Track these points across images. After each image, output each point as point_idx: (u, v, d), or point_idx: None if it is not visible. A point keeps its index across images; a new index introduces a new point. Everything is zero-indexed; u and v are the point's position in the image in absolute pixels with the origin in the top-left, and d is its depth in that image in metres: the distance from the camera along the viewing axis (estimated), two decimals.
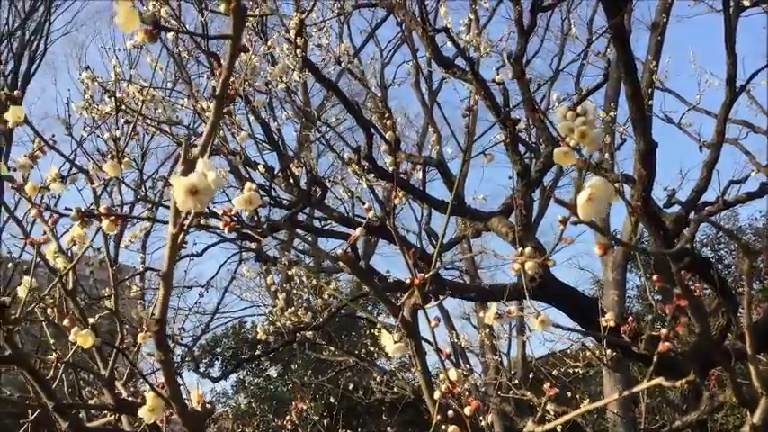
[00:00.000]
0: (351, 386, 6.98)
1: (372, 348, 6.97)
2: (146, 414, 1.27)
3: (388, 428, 7.08)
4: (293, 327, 5.72)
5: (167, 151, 14.03)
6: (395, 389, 6.11)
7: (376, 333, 7.57)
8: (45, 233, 1.78)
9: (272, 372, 12.82)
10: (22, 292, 1.96)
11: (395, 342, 1.40)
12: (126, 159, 1.55)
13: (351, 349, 7.08)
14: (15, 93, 1.55)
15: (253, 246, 5.53)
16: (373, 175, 5.25)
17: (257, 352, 7.32)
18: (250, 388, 12.74)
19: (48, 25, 20.93)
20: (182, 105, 5.05)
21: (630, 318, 2.16)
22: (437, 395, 1.28)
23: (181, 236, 0.96)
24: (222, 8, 0.86)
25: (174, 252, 0.97)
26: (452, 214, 4.94)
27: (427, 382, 1.50)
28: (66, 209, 1.32)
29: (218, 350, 13.17)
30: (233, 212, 1.16)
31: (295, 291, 6.38)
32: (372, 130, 5.08)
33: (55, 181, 1.58)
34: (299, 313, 5.91)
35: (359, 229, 1.39)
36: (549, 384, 1.54)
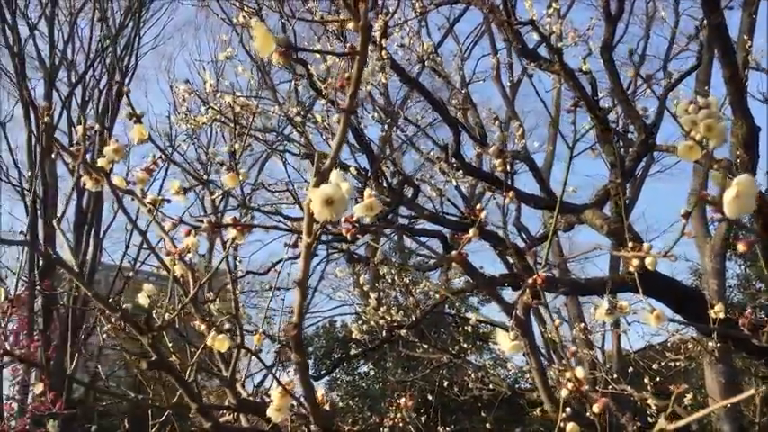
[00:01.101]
0: (445, 383, 7.01)
1: (465, 345, 6.97)
2: (273, 413, 1.33)
3: (486, 425, 7.06)
4: (387, 325, 5.78)
5: (254, 157, 14.41)
6: (490, 385, 6.09)
7: (468, 330, 7.57)
8: (166, 244, 1.88)
9: (364, 369, 12.98)
10: (143, 299, 2.08)
11: (511, 341, 1.41)
12: (243, 171, 1.62)
13: (442, 346, 7.10)
14: (139, 112, 1.64)
15: (342, 246, 5.63)
16: (461, 172, 5.25)
17: (352, 351, 7.44)
18: (342, 386, 12.96)
19: (137, 40, 21.86)
20: (273, 112, 5.18)
21: (749, 310, 2.10)
22: (564, 393, 1.28)
23: (313, 244, 1.01)
24: (351, 26, 0.90)
25: (308, 260, 1.02)
26: (548, 208, 4.88)
27: (544, 380, 1.50)
28: (197, 220, 1.39)
29: (311, 349, 13.45)
30: (354, 219, 1.20)
31: (385, 289, 6.45)
32: (459, 127, 5.08)
33: (178, 194, 1.67)
34: (392, 312, 5.98)
35: (472, 230, 1.40)
36: (648, 378, 1.52)
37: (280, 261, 5.19)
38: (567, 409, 1.40)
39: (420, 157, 7.05)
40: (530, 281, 1.40)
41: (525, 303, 1.49)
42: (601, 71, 4.99)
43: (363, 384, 12.61)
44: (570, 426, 1.35)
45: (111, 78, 21.41)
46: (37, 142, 20.38)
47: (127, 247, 22.30)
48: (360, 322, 6.36)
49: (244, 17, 3.91)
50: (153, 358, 1.18)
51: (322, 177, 0.95)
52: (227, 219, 1.50)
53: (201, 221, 1.37)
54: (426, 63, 5.46)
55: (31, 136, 20.50)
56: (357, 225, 1.26)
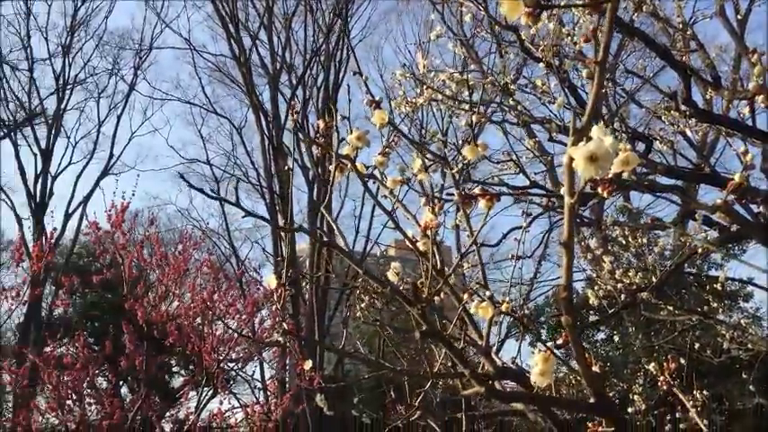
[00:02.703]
0: (696, 346, 6.57)
1: (714, 304, 6.47)
2: (538, 378, 1.33)
3: (749, 387, 6.52)
4: (625, 289, 5.55)
5: (466, 132, 14.51)
6: (749, 345, 5.61)
7: (717, 288, 7.02)
8: (417, 220, 1.96)
9: (602, 336, 12.60)
10: (391, 276, 2.18)
11: None
12: (481, 143, 1.64)
13: (687, 307, 6.66)
14: (378, 98, 1.73)
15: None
16: (694, 119, 4.87)
17: (591, 318, 7.24)
18: None
19: (347, 34, 22.95)
20: (484, 84, 5.17)
21: None
22: None
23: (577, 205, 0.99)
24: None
25: (572, 221, 1.01)
26: None
27: None
28: (447, 194, 1.43)
29: (542, 319, 13.32)
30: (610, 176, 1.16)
31: (617, 252, 6.18)
32: (688, 71, 4.71)
33: (421, 172, 1.73)
34: (629, 275, 5.72)
35: (738, 175, 1.30)
36: None
37: (510, 231, 5.19)
38: None
39: (644, 110, 6.65)
40: None
41: None
42: None
43: (602, 351, 12.24)
44: None
45: (327, 75, 22.70)
46: (269, 143, 22.24)
47: (356, 232, 23.62)
48: (595, 288, 6.15)
49: None
50: (424, 328, 1.24)
51: (580, 135, 0.93)
52: (455, 193, 1.52)
53: (451, 195, 1.41)
54: (644, 8, 5.11)
55: (264, 138, 22.40)
56: (613, 182, 1.22)
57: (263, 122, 22.18)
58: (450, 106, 4.69)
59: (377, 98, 1.70)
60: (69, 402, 7.79)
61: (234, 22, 22.68)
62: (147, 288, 8.54)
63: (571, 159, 0.92)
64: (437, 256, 2.10)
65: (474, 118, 2.78)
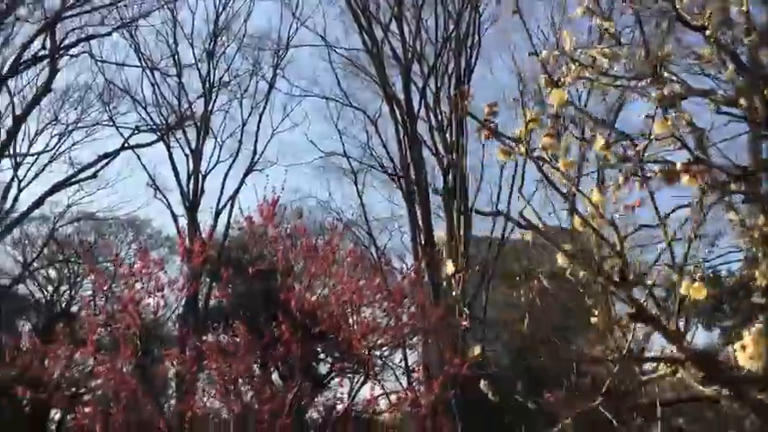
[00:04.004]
0: None
1: None
2: (747, 361, 1.25)
3: None
4: None
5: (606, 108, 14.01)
6: None
7: None
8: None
9: None
10: (560, 260, 2.12)
11: None
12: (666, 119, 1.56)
13: None
14: (557, 79, 1.69)
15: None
16: None
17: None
18: None
19: (478, 19, 22.77)
20: (638, 57, 4.93)
21: None
22: None
23: None
24: None
25: None
26: None
27: None
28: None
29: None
30: None
31: None
32: None
33: (602, 149, 1.68)
34: None
35: None
36: None
37: (673, 210, 4.92)
38: None
39: None
40: None
41: None
42: None
43: None
44: None
45: (458, 62, 22.58)
46: (404, 133, 22.45)
47: (496, 212, 23.33)
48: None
49: None
50: (633, 311, 1.20)
51: None
52: (655, 168, 1.45)
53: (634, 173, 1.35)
54: None
55: (398, 127, 22.66)
56: None
57: (397, 113, 22.41)
58: (603, 83, 4.51)
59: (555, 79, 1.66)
60: (233, 388, 8.25)
61: (365, 14, 23.02)
62: (297, 278, 8.87)
63: None
64: (618, 234, 2.03)
65: (656, 93, 2.63)
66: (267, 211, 8.51)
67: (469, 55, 22.74)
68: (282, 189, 10.68)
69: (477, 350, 4.60)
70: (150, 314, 8.75)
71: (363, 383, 9.28)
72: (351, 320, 8.28)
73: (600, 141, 1.72)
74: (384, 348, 9.38)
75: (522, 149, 1.90)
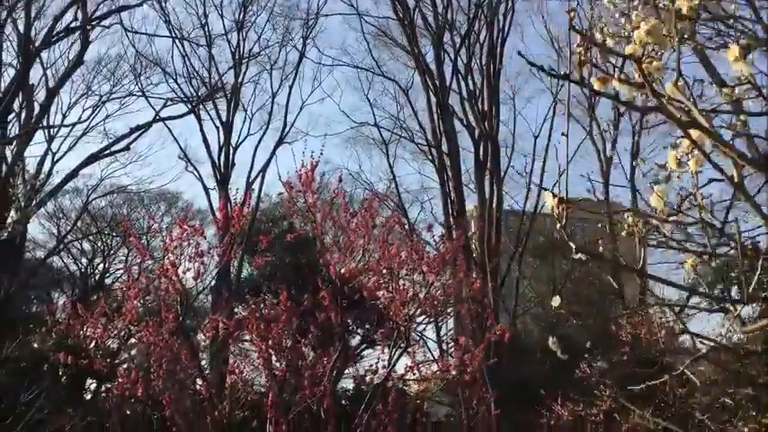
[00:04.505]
0: None
1: None
2: None
3: None
4: None
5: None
6: None
7: None
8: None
9: None
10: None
11: None
12: None
13: None
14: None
15: None
16: None
17: None
18: None
19: None
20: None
21: None
22: None
23: None
24: None
25: None
26: None
27: None
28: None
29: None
30: None
31: None
32: None
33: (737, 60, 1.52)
34: None
35: None
36: None
37: None
38: None
39: None
40: None
41: None
42: None
43: None
44: None
45: (491, 31, 22.16)
46: (436, 103, 22.18)
47: (527, 189, 23.06)
48: None
49: None
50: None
51: None
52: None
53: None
54: None
55: (429, 98, 22.39)
56: None
57: (429, 83, 22.15)
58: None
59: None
60: (274, 354, 8.23)
61: None
62: (336, 244, 8.80)
63: None
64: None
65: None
66: (306, 177, 8.41)
67: (502, 23, 22.33)
68: (321, 154, 10.56)
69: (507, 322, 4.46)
70: (191, 279, 8.74)
71: (401, 354, 9.18)
72: (391, 287, 8.19)
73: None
74: (423, 318, 9.26)
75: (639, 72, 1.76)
